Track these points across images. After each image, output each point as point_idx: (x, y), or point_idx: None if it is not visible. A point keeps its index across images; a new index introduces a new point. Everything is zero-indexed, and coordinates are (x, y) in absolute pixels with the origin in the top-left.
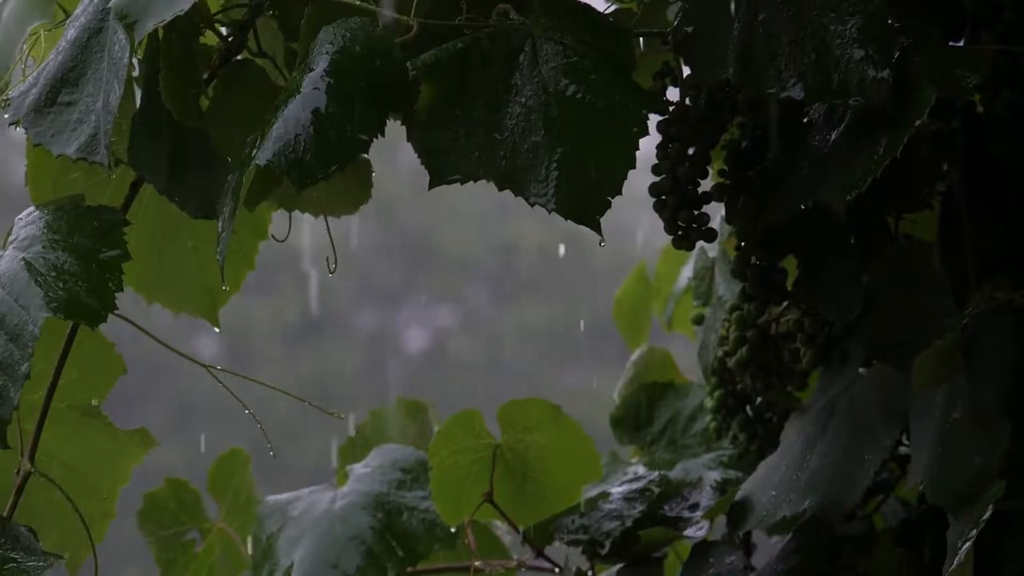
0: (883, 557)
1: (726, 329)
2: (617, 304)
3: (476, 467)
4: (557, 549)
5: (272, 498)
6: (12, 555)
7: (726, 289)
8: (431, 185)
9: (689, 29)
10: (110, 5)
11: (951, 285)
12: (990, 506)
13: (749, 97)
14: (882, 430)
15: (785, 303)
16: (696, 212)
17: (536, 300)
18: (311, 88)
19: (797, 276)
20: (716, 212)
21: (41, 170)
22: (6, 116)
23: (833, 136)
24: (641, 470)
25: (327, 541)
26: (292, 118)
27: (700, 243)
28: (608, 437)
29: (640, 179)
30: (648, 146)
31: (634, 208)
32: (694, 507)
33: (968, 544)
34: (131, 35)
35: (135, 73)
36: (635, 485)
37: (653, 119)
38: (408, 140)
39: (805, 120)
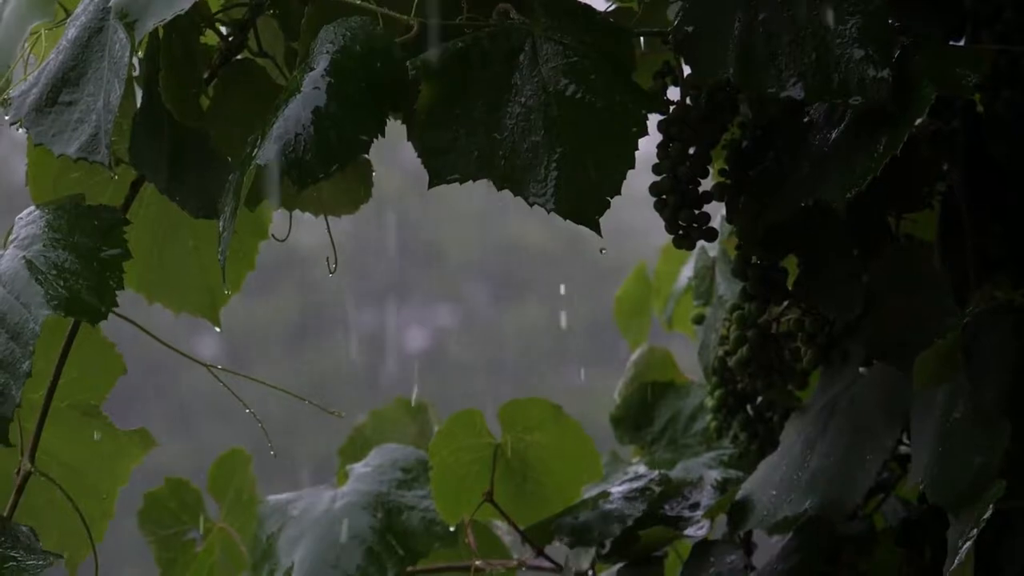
0: (884, 556)
1: (727, 328)
2: (617, 303)
3: (476, 466)
4: (557, 549)
5: (272, 498)
6: (12, 554)
7: (727, 288)
8: (431, 184)
9: (689, 29)
10: (110, 4)
11: (951, 285)
12: (991, 506)
13: (750, 97)
14: (883, 430)
15: (786, 302)
16: (697, 211)
17: (536, 300)
18: (312, 87)
19: (798, 275)
20: (717, 211)
21: (42, 169)
22: (7, 116)
23: (833, 135)
24: (641, 469)
25: (327, 541)
26: (293, 117)
27: (701, 242)
28: (608, 437)
29: (640, 179)
30: (648, 146)
31: (634, 208)
32: (695, 506)
33: (969, 544)
34: (131, 34)
35: (136, 72)
36: (635, 484)
37: (653, 119)
38: (408, 139)
39: (806, 120)
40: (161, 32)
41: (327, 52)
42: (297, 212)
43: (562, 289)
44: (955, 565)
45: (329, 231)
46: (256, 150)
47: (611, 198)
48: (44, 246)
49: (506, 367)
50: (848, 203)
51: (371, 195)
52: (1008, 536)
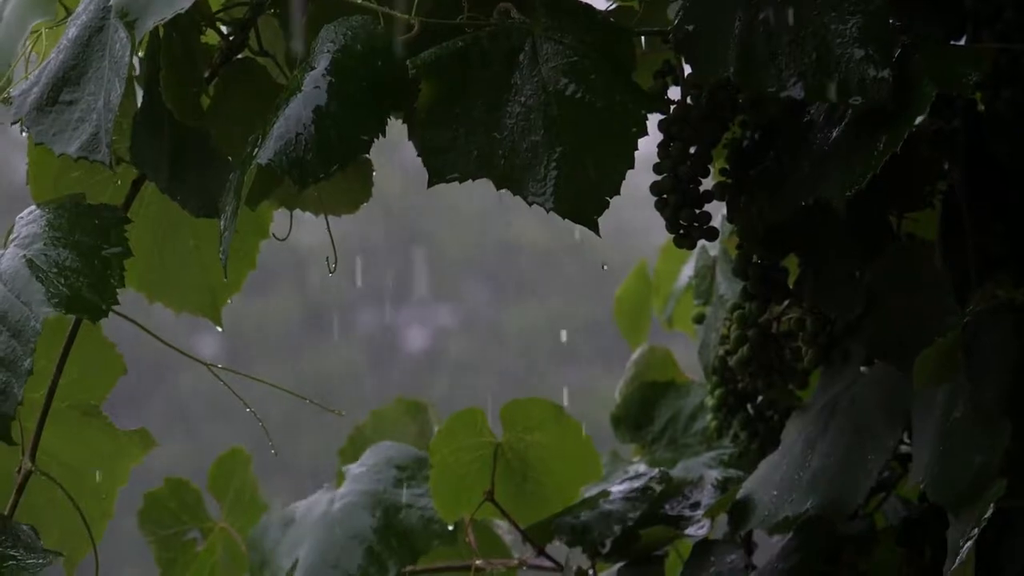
0: (884, 556)
1: (727, 328)
2: (618, 303)
3: (476, 465)
4: (558, 548)
5: (274, 511)
6: (12, 553)
7: (727, 288)
8: (430, 183)
9: (690, 28)
10: (111, 3)
11: (952, 284)
12: (991, 505)
13: (750, 96)
14: (884, 429)
15: (786, 302)
16: (697, 211)
17: (536, 300)
18: (312, 87)
19: (798, 275)
20: (717, 211)
21: (42, 169)
22: (8, 115)
23: (834, 134)
24: (642, 469)
25: (327, 542)
26: (293, 117)
27: (701, 241)
28: (608, 436)
29: (641, 178)
30: (648, 146)
31: (634, 207)
32: (695, 506)
33: (969, 543)
34: (132, 33)
35: (136, 72)
36: (636, 484)
37: (654, 118)
38: (409, 139)
39: (806, 119)
40: (162, 31)
41: (328, 51)
42: (297, 211)
43: (562, 290)
44: (956, 565)
45: (329, 231)
46: (257, 149)
47: (610, 198)
48: (45, 245)
49: (506, 367)
50: (849, 202)
51: (371, 195)
52: (1009, 535)
